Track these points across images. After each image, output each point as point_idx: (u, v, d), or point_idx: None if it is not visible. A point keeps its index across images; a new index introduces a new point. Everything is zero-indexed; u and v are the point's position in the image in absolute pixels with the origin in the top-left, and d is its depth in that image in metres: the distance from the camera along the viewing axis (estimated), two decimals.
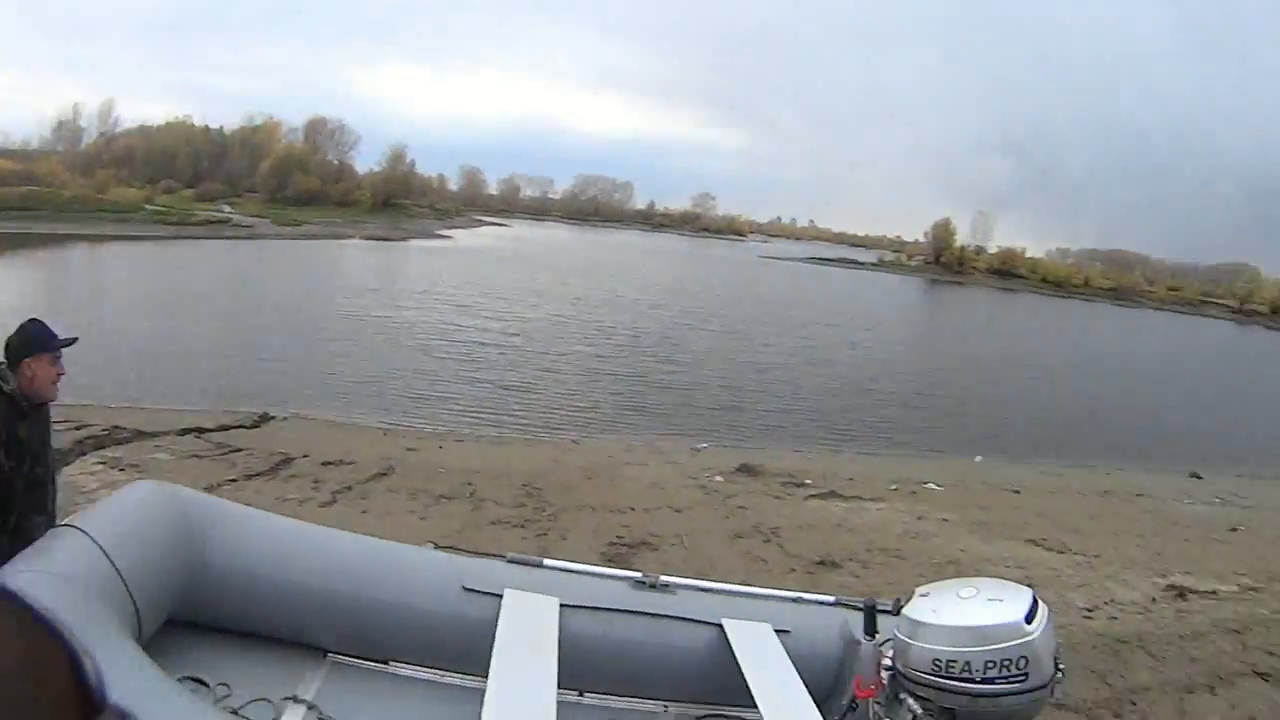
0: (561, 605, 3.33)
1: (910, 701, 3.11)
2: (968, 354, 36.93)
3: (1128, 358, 46.50)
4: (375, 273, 39.74)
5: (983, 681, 3.00)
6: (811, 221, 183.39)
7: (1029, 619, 3.05)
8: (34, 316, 3.31)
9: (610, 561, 6.79)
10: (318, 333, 21.73)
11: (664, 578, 3.65)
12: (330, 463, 9.32)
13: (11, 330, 3.20)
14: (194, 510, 3.19)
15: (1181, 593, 8.57)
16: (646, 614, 3.51)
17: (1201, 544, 11.10)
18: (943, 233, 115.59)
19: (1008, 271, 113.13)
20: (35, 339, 3.21)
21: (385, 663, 3.35)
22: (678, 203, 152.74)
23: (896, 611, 3.30)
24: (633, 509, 8.83)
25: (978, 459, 16.59)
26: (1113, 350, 49.99)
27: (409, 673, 3.36)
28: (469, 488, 8.86)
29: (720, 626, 3.50)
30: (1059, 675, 3.08)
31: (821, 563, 7.99)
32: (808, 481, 11.43)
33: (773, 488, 10.93)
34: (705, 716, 3.56)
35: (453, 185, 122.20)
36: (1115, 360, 43.97)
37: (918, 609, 3.19)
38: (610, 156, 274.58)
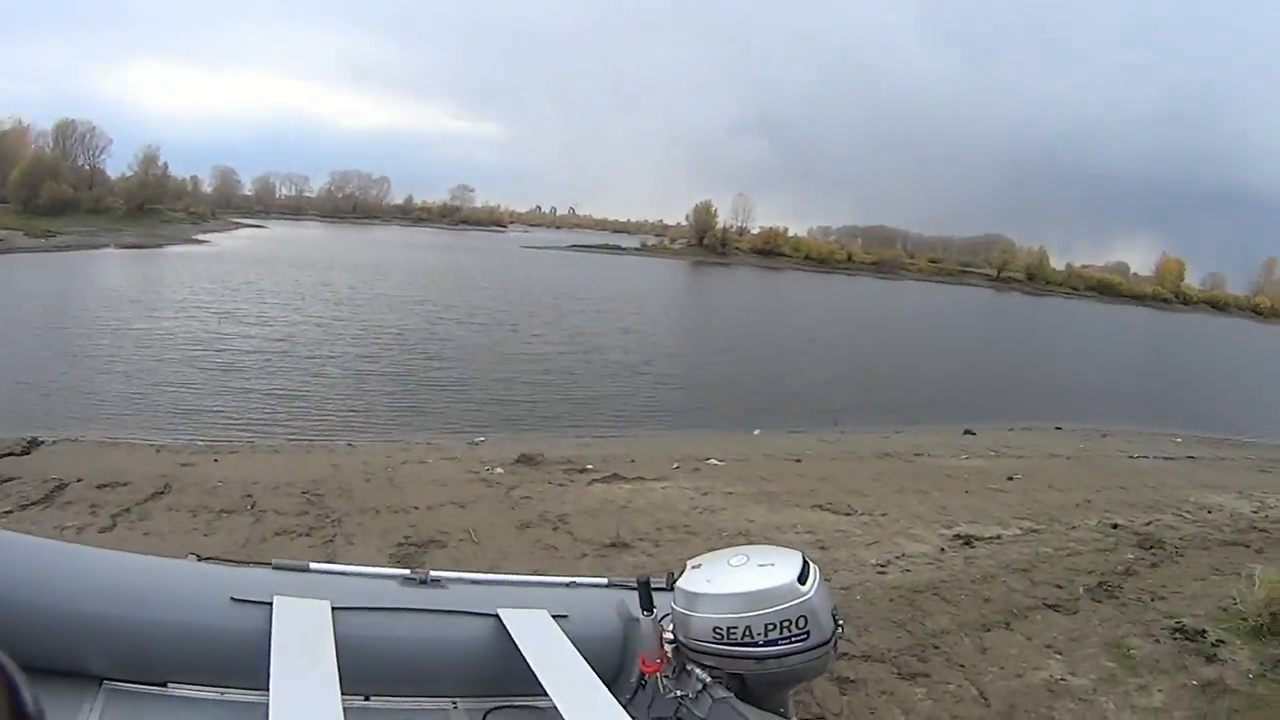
0: (334, 608, 3.15)
1: (698, 671, 3.22)
2: (738, 332, 38.33)
3: (895, 327, 49.53)
4: (133, 282, 37.21)
5: (766, 644, 3.15)
6: (571, 209, 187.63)
7: (801, 579, 3.21)
8: None
9: (399, 562, 6.72)
10: (79, 350, 20.32)
11: (434, 572, 3.55)
12: (106, 485, 8.76)
13: None
14: None
15: (968, 540, 8.99)
16: (421, 610, 3.39)
17: (982, 495, 11.76)
18: (704, 215, 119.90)
19: (771, 250, 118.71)
20: None
21: (164, 685, 3.01)
22: (436, 196, 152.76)
23: (671, 586, 3.41)
24: (416, 508, 8.70)
25: (756, 432, 17.06)
26: (880, 321, 53.12)
27: (189, 693, 3.08)
28: (249, 500, 8.58)
29: (497, 616, 3.44)
30: (839, 630, 3.26)
31: (612, 545, 7.92)
32: (589, 467, 11.37)
33: (555, 475, 10.83)
34: (494, 709, 3.42)
35: (206, 187, 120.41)
36: (883, 330, 46.74)
37: (691, 581, 3.31)
38: (366, 151, 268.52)
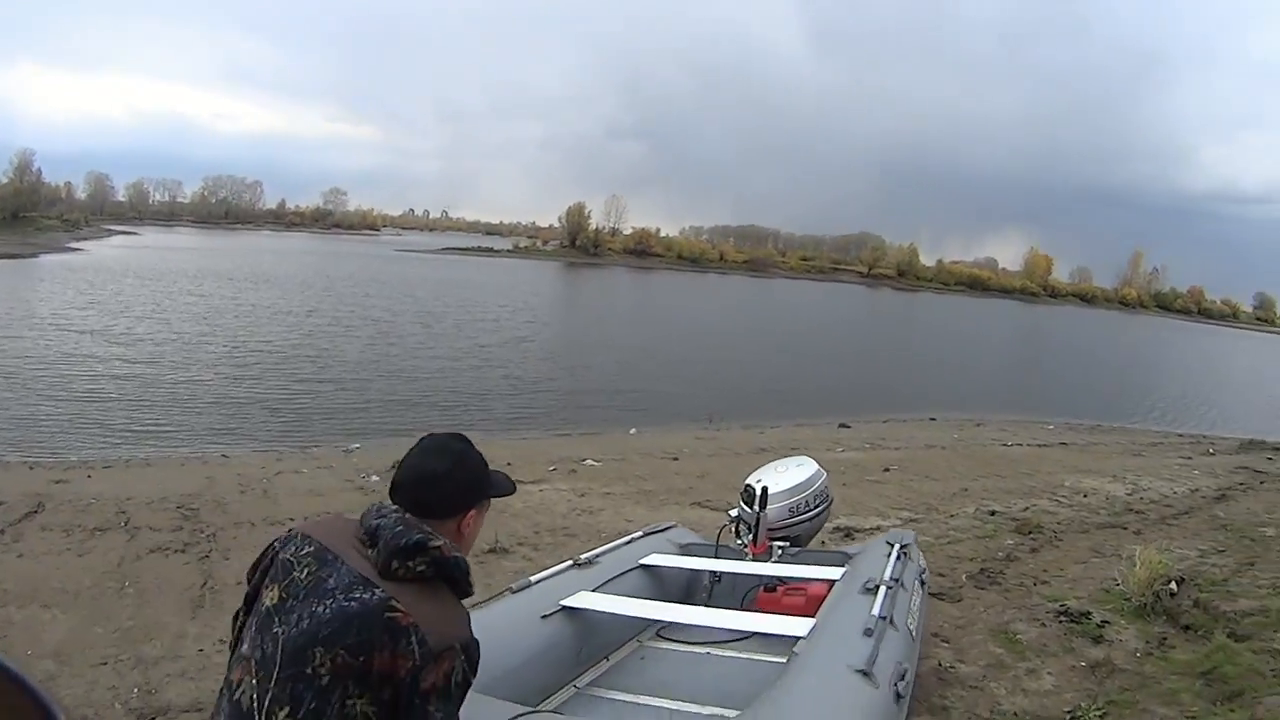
0: (588, 591, 4.30)
1: (777, 543, 5.15)
2: (610, 332, 38.77)
3: (767, 324, 50.28)
4: (7, 296, 34.86)
5: (814, 509, 5.36)
6: (445, 212, 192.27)
7: (820, 467, 5.51)
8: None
9: None
10: None
11: (584, 555, 4.71)
12: None
13: None
14: None
15: (849, 533, 9.04)
16: (620, 575, 4.69)
17: (859, 486, 11.90)
18: (577, 216, 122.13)
19: (643, 250, 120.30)
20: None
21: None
22: (309, 199, 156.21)
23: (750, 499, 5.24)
24: (292, 519, 8.32)
25: (633, 431, 17.05)
26: (752, 318, 53.90)
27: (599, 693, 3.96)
28: (123, 516, 8.23)
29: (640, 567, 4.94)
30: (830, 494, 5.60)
31: (491, 550, 7.73)
32: None
33: None
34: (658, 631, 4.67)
35: (80, 194, 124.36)
36: (754, 327, 47.43)
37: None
38: (242, 155, 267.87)
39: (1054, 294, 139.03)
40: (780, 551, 5.12)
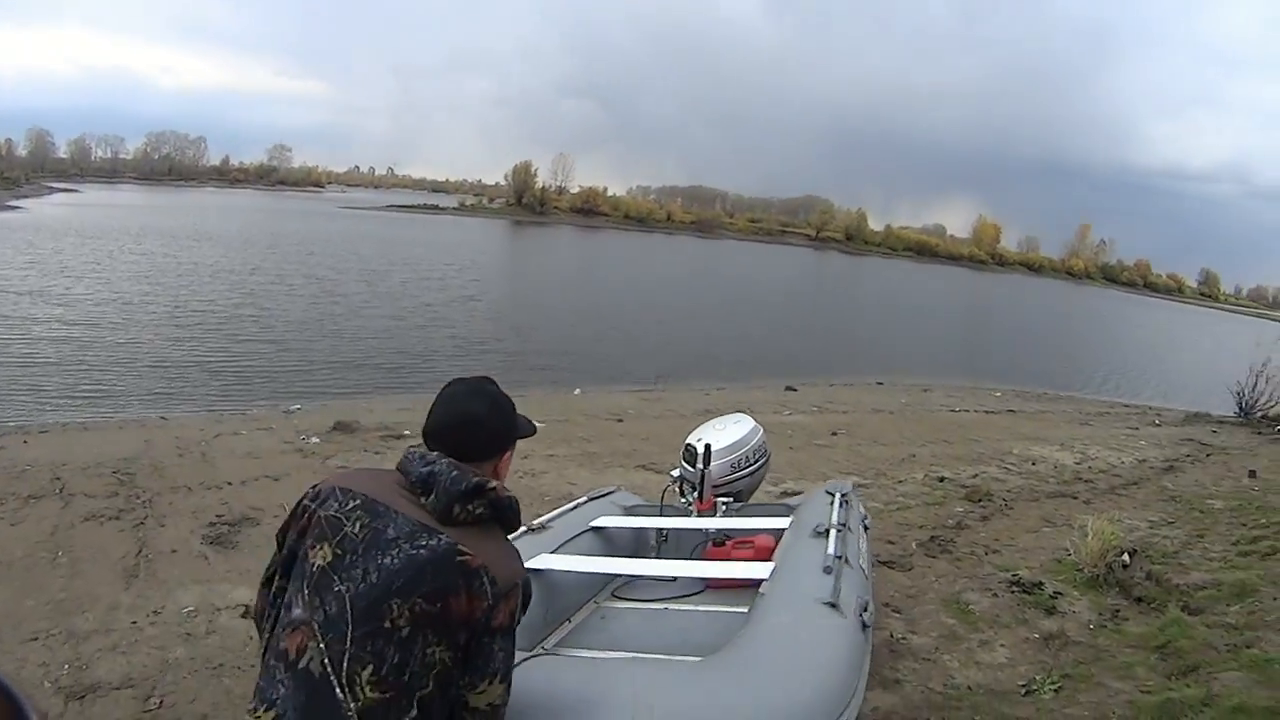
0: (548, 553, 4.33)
1: (720, 498, 5.18)
2: (556, 291, 38.64)
3: (712, 284, 50.25)
4: None
5: (754, 463, 5.36)
6: (390, 170, 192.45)
7: (756, 424, 5.52)
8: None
9: (214, 543, 6.56)
10: None
11: (535, 521, 4.66)
12: None
13: None
14: None
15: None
16: (580, 534, 4.72)
17: (807, 450, 11.87)
18: (523, 175, 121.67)
19: (590, 209, 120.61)
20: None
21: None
22: (253, 156, 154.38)
23: (690, 458, 5.22)
24: (230, 483, 8.25)
25: (577, 391, 16.83)
26: (698, 278, 53.84)
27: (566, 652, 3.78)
28: (58, 483, 7.96)
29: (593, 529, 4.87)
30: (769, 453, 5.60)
31: None
32: (406, 432, 10.91)
33: (371, 442, 10.42)
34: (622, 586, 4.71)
35: (21, 151, 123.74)
36: (701, 287, 47.39)
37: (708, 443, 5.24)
38: (185, 111, 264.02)
39: (1001, 262, 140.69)
40: (725, 507, 5.20)
